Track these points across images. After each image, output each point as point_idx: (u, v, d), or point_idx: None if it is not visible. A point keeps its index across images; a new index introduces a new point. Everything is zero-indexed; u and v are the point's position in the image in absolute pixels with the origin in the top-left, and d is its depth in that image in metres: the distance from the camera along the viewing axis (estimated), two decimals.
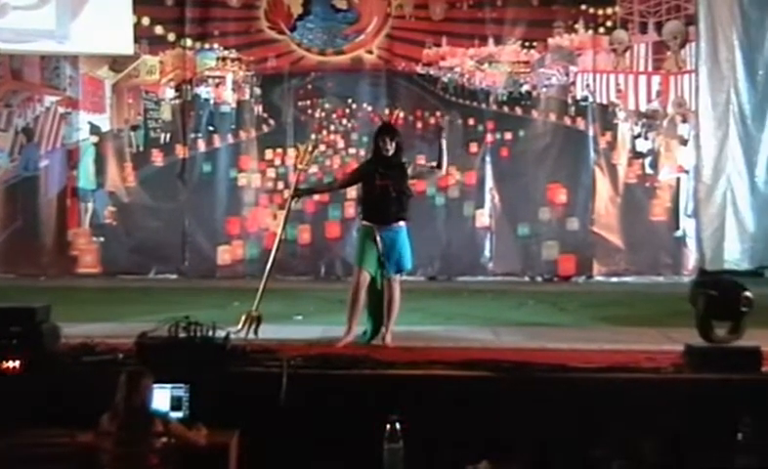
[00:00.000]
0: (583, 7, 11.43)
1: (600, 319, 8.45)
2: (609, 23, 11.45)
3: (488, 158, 11.42)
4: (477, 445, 5.61)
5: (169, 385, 5.61)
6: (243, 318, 7.06)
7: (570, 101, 11.48)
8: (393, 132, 7.37)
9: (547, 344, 7.05)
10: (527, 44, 11.45)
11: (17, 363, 5.94)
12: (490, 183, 11.41)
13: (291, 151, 11.37)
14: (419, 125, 11.43)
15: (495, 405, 5.78)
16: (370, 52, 11.45)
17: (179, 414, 5.55)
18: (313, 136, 11.33)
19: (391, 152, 7.20)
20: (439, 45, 11.45)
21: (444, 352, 6.63)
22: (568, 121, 11.50)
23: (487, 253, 11.36)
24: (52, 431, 5.27)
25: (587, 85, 11.47)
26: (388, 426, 5.41)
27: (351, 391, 5.86)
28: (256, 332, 6.91)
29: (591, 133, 11.43)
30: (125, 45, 11.10)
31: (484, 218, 11.40)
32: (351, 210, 11.35)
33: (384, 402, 5.60)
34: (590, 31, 11.44)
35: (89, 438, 5.11)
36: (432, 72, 11.44)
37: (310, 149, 7.79)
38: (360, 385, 5.92)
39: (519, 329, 7.88)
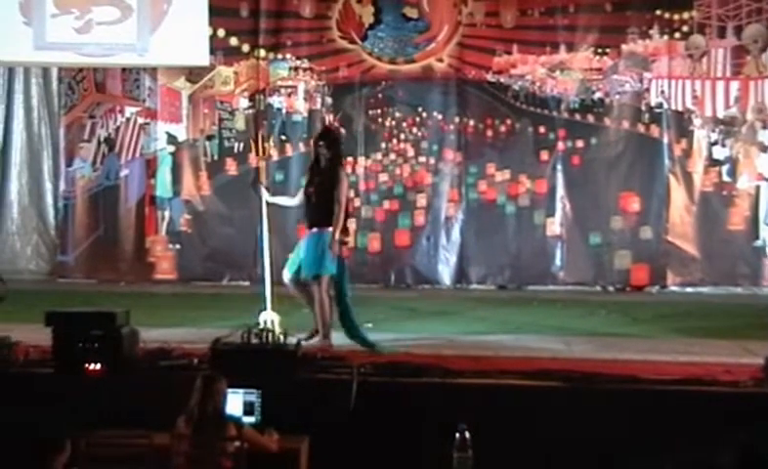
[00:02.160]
0: (658, 12, 11.25)
1: (674, 331, 8.31)
2: (685, 28, 11.27)
3: (559, 166, 11.36)
4: (546, 456, 5.61)
5: (242, 390, 5.72)
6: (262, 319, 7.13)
7: (643, 108, 11.33)
8: (327, 137, 7.48)
9: (619, 355, 6.97)
10: (599, 51, 11.36)
11: (98, 366, 6.13)
12: (561, 191, 11.34)
13: (362, 160, 11.50)
14: (489, 133, 11.44)
15: (565, 416, 5.77)
16: (441, 60, 11.48)
17: (251, 419, 5.65)
18: (383, 144, 11.51)
19: (324, 158, 7.25)
20: (510, 53, 11.43)
21: (513, 361, 6.62)
22: (641, 129, 11.36)
23: (557, 262, 11.29)
24: (130, 432, 5.41)
25: (662, 92, 11.32)
26: (457, 435, 5.44)
27: (420, 399, 5.91)
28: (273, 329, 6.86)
29: (666, 140, 11.27)
30: (201, 56, 11.32)
31: (554, 226, 11.34)
32: (421, 218, 11.41)
33: (453, 410, 5.63)
34: (665, 37, 11.27)
35: (165, 439, 5.23)
36: (502, 80, 11.42)
37: (262, 141, 7.94)
38: (429, 393, 5.96)
39: (590, 339, 7.82)
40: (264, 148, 7.86)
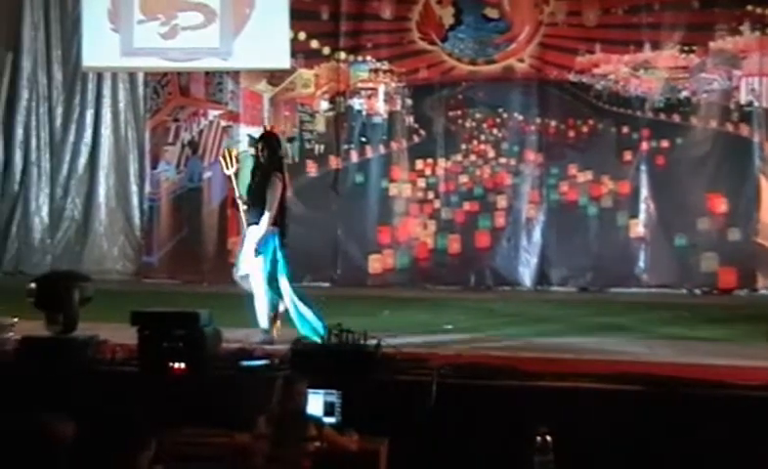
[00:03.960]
0: (749, 7, 10.99)
1: (763, 335, 8.09)
2: None
3: (643, 167, 11.18)
4: (626, 460, 5.55)
5: (322, 391, 5.76)
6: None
7: (732, 106, 11.06)
8: (265, 141, 7.73)
9: (704, 359, 6.83)
10: (686, 48, 11.14)
11: (182, 365, 6.26)
12: (645, 192, 11.16)
13: (441, 162, 11.50)
14: (571, 134, 11.33)
15: (647, 421, 5.69)
16: (522, 60, 11.41)
17: (331, 420, 5.68)
18: (463, 146, 11.49)
19: (262, 160, 7.57)
20: (592, 52, 11.30)
21: (594, 364, 6.55)
22: (730, 128, 11.10)
23: (641, 264, 11.12)
24: (211, 430, 5.51)
25: (752, 89, 11.04)
26: (538, 438, 5.40)
27: (499, 401, 5.89)
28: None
29: (756, 139, 10.99)
30: (283, 60, 11.47)
31: (638, 228, 11.16)
32: (501, 220, 11.36)
33: (533, 413, 5.60)
34: (757, 33, 10.97)
35: (246, 439, 5.31)
36: (585, 80, 11.29)
37: (233, 152, 8.24)
38: (508, 396, 5.93)
39: (674, 343, 7.68)
40: (231, 161, 8.06)
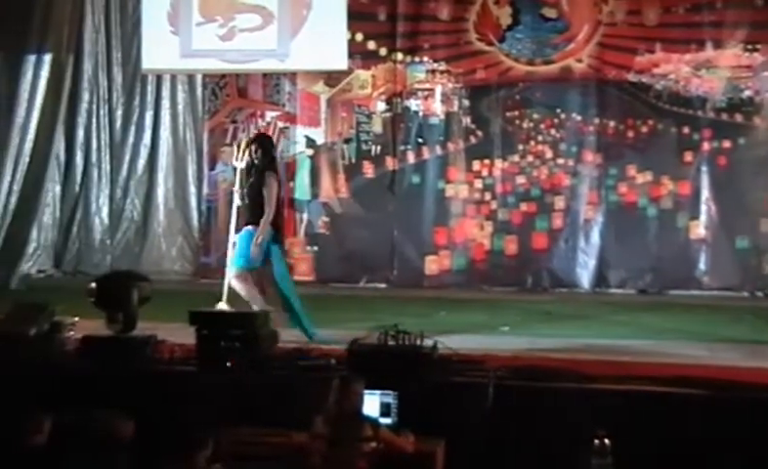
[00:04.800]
0: None
1: None
2: None
3: (703, 168, 11.00)
4: (685, 464, 5.47)
5: (378, 391, 5.78)
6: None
7: None
8: (257, 141, 7.97)
9: (767, 363, 6.74)
10: (749, 47, 10.92)
11: (240, 365, 6.32)
12: (705, 193, 10.98)
13: (498, 163, 11.45)
14: (630, 134, 11.20)
15: (708, 426, 5.60)
16: (580, 61, 11.30)
17: (388, 421, 5.69)
18: (521, 146, 11.43)
19: (256, 161, 7.76)
20: (652, 51, 11.15)
21: (652, 367, 6.48)
22: None
23: (701, 266, 10.95)
24: (269, 430, 5.55)
25: None
26: (596, 441, 5.35)
27: (556, 404, 5.85)
28: None
29: None
30: (340, 61, 11.50)
31: (699, 229, 10.99)
32: (559, 221, 11.28)
33: (590, 416, 5.55)
34: None
35: (303, 439, 5.34)
36: (644, 80, 11.15)
37: (243, 145, 8.19)
38: (565, 398, 5.89)
39: (736, 347, 7.57)
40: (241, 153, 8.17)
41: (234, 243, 7.92)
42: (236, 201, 8.10)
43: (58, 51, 12.07)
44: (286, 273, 8.03)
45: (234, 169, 8.23)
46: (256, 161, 7.83)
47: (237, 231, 8.00)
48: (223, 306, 7.74)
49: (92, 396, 5.62)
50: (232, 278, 7.78)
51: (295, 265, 11.89)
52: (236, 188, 8.14)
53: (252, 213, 7.75)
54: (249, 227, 7.74)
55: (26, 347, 6.71)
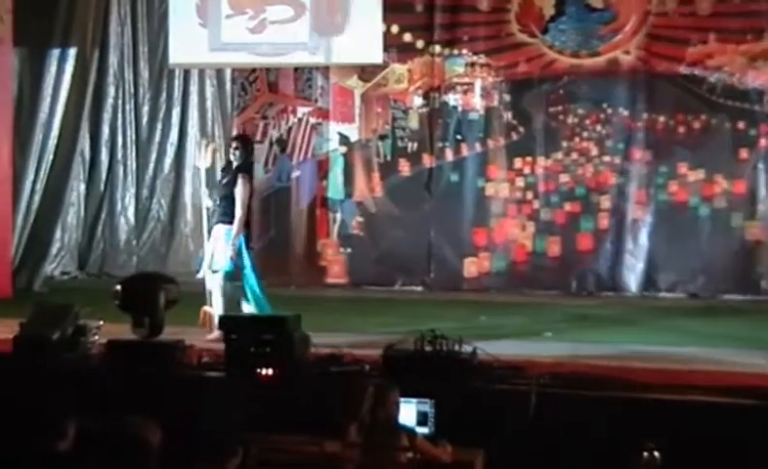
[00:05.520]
0: None
1: None
2: None
3: (760, 165, 10.88)
4: None
5: (415, 399, 5.78)
6: (201, 316, 7.89)
7: None
8: (239, 141, 8.30)
9: None
10: None
11: (270, 371, 6.35)
12: (762, 192, 10.87)
13: (541, 160, 11.40)
14: (681, 130, 11.11)
15: (764, 439, 5.55)
16: (628, 52, 11.23)
17: (424, 430, 5.69)
18: (564, 143, 11.36)
19: (233, 159, 8.06)
20: (705, 42, 11.03)
21: (705, 376, 6.42)
22: None
23: (757, 269, 10.84)
24: (300, 438, 5.57)
25: None
26: (645, 454, 5.31)
27: (602, 413, 5.82)
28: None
29: None
30: (375, 54, 11.51)
31: (755, 230, 10.90)
32: (605, 221, 11.22)
33: (638, 427, 5.52)
34: None
35: (336, 447, 5.34)
36: (697, 72, 11.04)
37: (207, 144, 8.68)
38: (612, 408, 5.86)
39: None
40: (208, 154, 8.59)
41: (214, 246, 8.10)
42: (206, 202, 8.37)
43: (82, 45, 12.20)
44: (258, 275, 8.21)
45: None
46: (234, 161, 8.09)
47: (209, 231, 8.27)
48: (210, 309, 7.97)
49: (117, 402, 5.68)
50: (216, 281, 7.97)
51: (328, 267, 11.95)
52: (204, 188, 8.44)
53: (224, 213, 8.03)
54: (224, 226, 8.00)
55: (50, 351, 6.78)
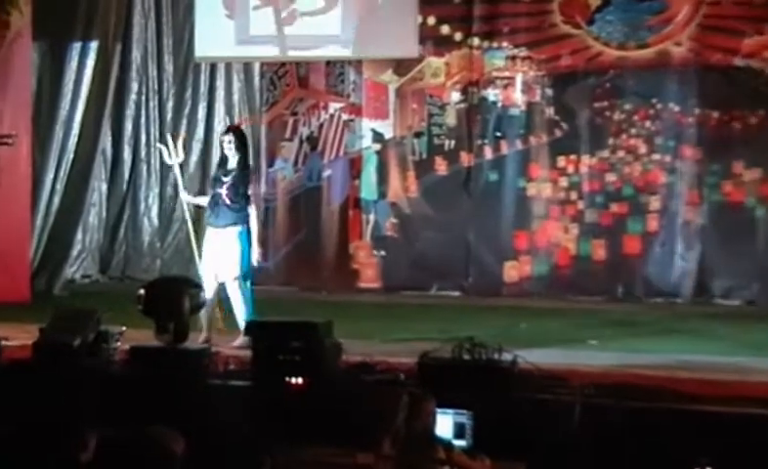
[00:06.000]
0: None
1: None
2: None
3: None
4: None
5: (452, 410, 5.77)
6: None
7: None
8: (237, 135, 8.10)
9: None
10: None
11: (299, 380, 6.37)
12: None
13: (586, 158, 11.36)
14: (736, 127, 11.01)
15: None
16: (679, 44, 11.15)
17: (462, 443, 5.68)
18: (611, 140, 11.30)
19: (232, 157, 7.95)
20: (762, 33, 10.94)
21: (763, 387, 6.37)
22: None
23: None
24: (331, 450, 5.58)
25: None
26: None
27: (651, 426, 5.78)
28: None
29: None
30: (410, 47, 11.54)
31: None
32: (654, 223, 11.15)
33: (689, 441, 5.48)
34: None
35: (369, 459, 5.35)
36: (753, 65, 10.92)
37: (175, 137, 8.66)
38: (661, 420, 5.82)
39: None
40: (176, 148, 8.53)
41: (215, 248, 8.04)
42: (185, 198, 8.50)
43: (104, 38, 12.31)
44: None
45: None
46: (231, 156, 8.02)
47: (196, 232, 8.42)
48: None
49: (140, 411, 5.71)
50: (235, 287, 7.93)
51: (360, 271, 11.97)
52: (181, 186, 8.51)
53: (236, 214, 7.97)
54: (235, 228, 7.95)
55: (70, 358, 6.84)
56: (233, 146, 8.02)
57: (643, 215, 11.19)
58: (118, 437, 4.58)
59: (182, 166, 8.67)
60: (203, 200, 8.43)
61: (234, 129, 8.58)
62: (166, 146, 8.70)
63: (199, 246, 8.35)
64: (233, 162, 8.04)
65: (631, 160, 11.28)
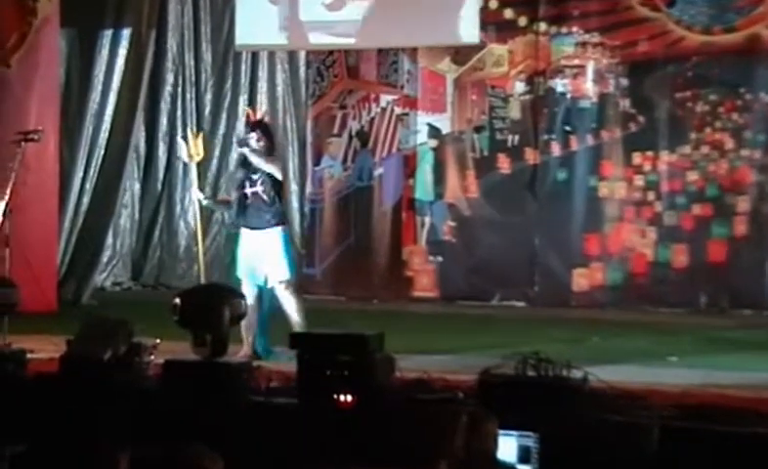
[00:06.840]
0: None
1: None
2: None
3: None
4: None
5: (516, 432, 5.76)
6: None
7: None
8: (261, 129, 8.15)
9: None
10: None
11: (348, 397, 6.39)
12: None
13: (665, 155, 11.29)
14: None
15: None
16: None
17: (527, 468, 5.69)
18: (693, 135, 11.23)
19: (262, 150, 8.02)
20: None
21: None
22: None
23: None
24: None
25: None
26: None
27: (739, 452, 5.73)
28: None
29: None
30: (470, 33, 11.55)
31: None
32: (741, 227, 11.07)
33: None
34: None
35: None
36: None
37: (196, 135, 8.68)
38: (752, 445, 5.76)
39: None
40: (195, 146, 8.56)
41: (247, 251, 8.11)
42: (198, 197, 8.56)
43: (138, 25, 12.44)
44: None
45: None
46: (262, 151, 8.08)
47: (205, 236, 8.64)
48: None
49: (176, 429, 5.76)
50: (291, 291, 8.00)
51: (415, 278, 12.00)
52: (196, 185, 8.57)
53: (273, 213, 8.07)
54: (274, 230, 8.03)
55: (100, 372, 6.92)
56: (261, 143, 8.10)
57: (729, 218, 11.12)
58: (152, 457, 4.63)
59: (199, 165, 8.75)
60: (225, 202, 8.54)
61: (260, 123, 8.64)
62: (186, 142, 8.78)
63: (205, 250, 8.50)
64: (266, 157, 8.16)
65: (716, 157, 11.23)
